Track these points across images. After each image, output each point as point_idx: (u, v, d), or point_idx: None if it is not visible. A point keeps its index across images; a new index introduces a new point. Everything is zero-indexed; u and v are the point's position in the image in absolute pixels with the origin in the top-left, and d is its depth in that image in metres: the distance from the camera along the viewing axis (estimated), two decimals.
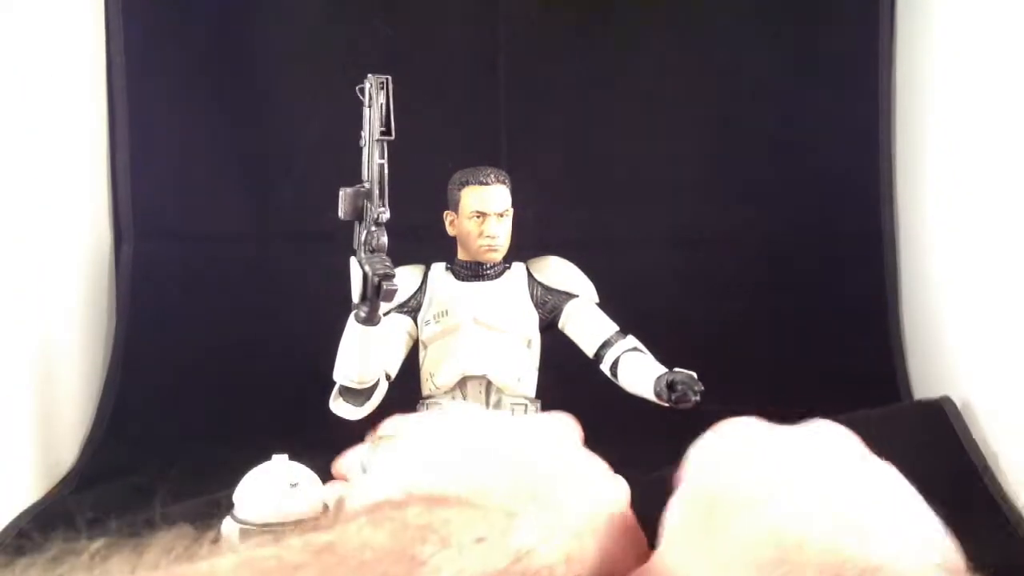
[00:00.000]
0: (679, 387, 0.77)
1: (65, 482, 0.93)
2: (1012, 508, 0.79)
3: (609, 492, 0.56)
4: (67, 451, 0.97)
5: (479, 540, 0.40)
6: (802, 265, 1.15)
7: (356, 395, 0.82)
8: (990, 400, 0.91)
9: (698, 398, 0.76)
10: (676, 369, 0.79)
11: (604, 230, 1.13)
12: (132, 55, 1.10)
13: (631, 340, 0.85)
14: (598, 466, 0.59)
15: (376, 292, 0.73)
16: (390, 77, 0.76)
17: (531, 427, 0.62)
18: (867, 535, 0.43)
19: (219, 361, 1.10)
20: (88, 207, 1.07)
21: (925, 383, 1.08)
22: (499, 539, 0.41)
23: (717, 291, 1.14)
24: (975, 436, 0.89)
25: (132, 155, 1.11)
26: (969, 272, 0.96)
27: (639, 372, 0.82)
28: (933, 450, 0.85)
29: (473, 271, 0.87)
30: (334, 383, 0.82)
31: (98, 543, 0.36)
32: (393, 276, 0.74)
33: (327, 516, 0.41)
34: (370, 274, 0.73)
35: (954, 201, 1.00)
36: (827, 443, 0.47)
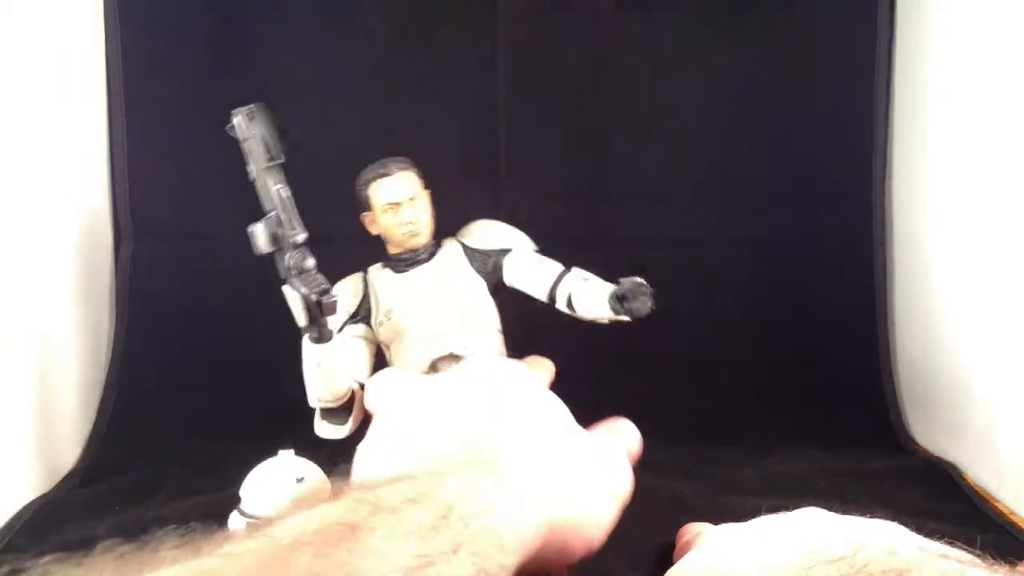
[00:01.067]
0: (630, 297, 0.75)
1: (68, 479, 0.93)
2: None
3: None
4: (69, 449, 0.97)
5: (410, 500, 0.41)
6: (795, 267, 1.15)
7: (335, 413, 0.82)
8: (981, 401, 0.93)
9: (652, 303, 0.74)
10: (622, 279, 0.77)
11: (599, 229, 1.14)
12: (131, 55, 1.10)
13: (579, 272, 0.84)
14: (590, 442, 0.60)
15: (319, 309, 0.73)
16: (255, 105, 0.74)
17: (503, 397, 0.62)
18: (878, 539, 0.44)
19: (219, 359, 1.10)
20: (87, 207, 1.08)
21: (914, 385, 1.10)
22: (427, 497, 0.42)
23: (710, 291, 1.14)
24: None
25: (131, 155, 1.11)
26: (964, 275, 0.97)
27: (593, 297, 0.80)
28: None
29: (407, 261, 0.87)
30: (313, 410, 0.83)
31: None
32: (330, 289, 0.73)
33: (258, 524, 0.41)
34: (308, 294, 0.72)
35: (950, 205, 1.00)
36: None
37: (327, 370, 0.77)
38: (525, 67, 1.14)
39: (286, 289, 0.75)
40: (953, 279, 1.00)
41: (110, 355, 1.09)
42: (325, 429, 0.83)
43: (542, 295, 0.85)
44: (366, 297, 0.88)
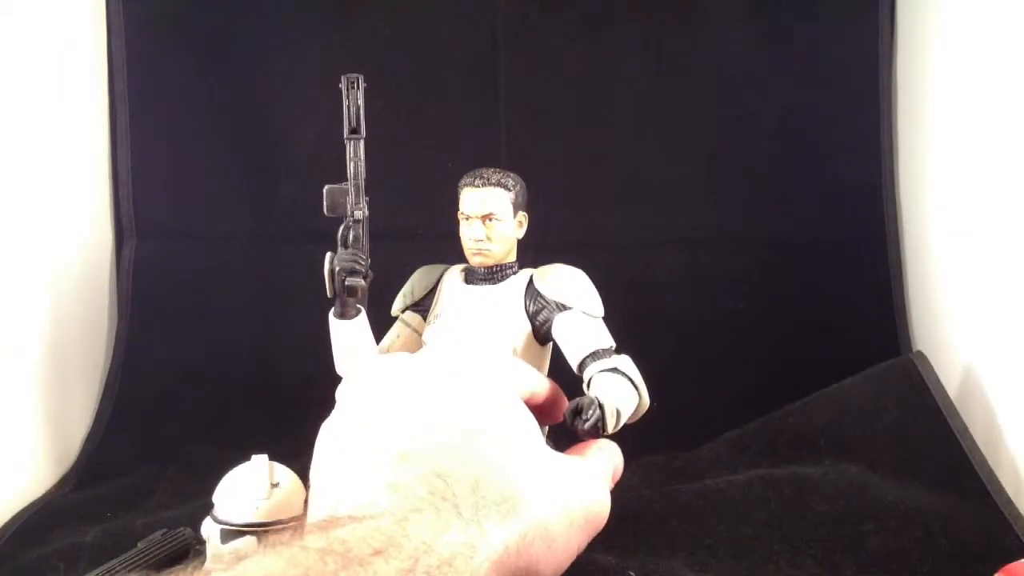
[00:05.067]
0: (583, 413, 0.69)
1: (65, 481, 0.93)
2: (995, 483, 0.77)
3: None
4: (68, 450, 0.98)
5: (376, 552, 0.40)
6: (803, 267, 1.14)
7: None
8: (993, 400, 0.91)
9: (585, 427, 0.68)
10: (590, 395, 0.72)
11: (602, 231, 1.13)
12: (132, 55, 1.11)
13: (616, 360, 0.79)
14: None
15: (342, 288, 0.74)
16: (361, 75, 0.76)
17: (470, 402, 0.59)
18: None
19: (219, 361, 1.10)
20: (89, 207, 1.08)
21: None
22: (393, 547, 0.41)
23: (716, 293, 1.13)
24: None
25: (133, 155, 1.12)
26: (975, 273, 0.95)
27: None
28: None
29: (479, 275, 0.86)
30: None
31: None
32: (360, 273, 0.74)
33: (225, 558, 0.40)
34: (336, 270, 0.73)
35: (955, 204, 0.99)
36: None
37: (347, 347, 0.78)
38: (525, 67, 1.13)
39: (327, 256, 0.76)
40: (957, 279, 0.98)
41: (110, 356, 1.09)
42: None
43: (573, 365, 0.81)
44: (433, 291, 0.86)
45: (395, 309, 0.90)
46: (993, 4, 0.89)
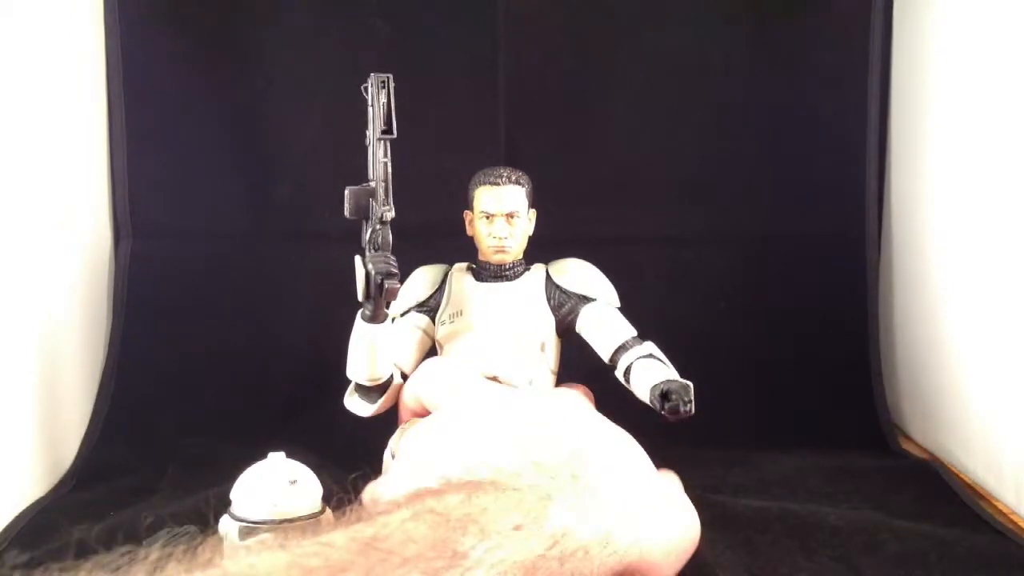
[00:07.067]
0: (672, 397, 0.74)
1: (64, 481, 0.92)
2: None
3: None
4: (66, 450, 0.97)
5: (516, 527, 0.41)
6: (789, 266, 1.15)
7: (368, 392, 0.82)
8: (980, 399, 0.92)
9: (688, 409, 0.73)
10: (671, 378, 0.77)
11: (598, 229, 1.13)
12: (130, 54, 1.10)
13: (648, 346, 0.83)
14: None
15: (379, 291, 0.73)
16: (391, 75, 0.76)
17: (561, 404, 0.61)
18: None
19: (216, 359, 1.10)
20: (86, 206, 1.07)
21: (914, 383, 1.10)
22: (535, 525, 0.41)
23: (703, 290, 1.15)
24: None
25: (130, 154, 1.11)
26: (963, 274, 0.97)
27: (646, 380, 0.78)
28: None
29: (492, 272, 0.87)
30: (348, 380, 0.82)
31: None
32: (396, 275, 0.73)
33: (367, 507, 0.41)
34: (372, 273, 0.73)
35: (948, 203, 1.00)
36: None
37: (373, 351, 0.77)
38: (525, 67, 1.14)
39: (357, 259, 0.75)
40: (952, 278, 0.99)
41: (107, 354, 1.08)
42: (354, 404, 0.83)
43: (605, 355, 0.85)
44: (439, 291, 0.88)
45: (395, 310, 0.90)
46: (991, 6, 0.91)
